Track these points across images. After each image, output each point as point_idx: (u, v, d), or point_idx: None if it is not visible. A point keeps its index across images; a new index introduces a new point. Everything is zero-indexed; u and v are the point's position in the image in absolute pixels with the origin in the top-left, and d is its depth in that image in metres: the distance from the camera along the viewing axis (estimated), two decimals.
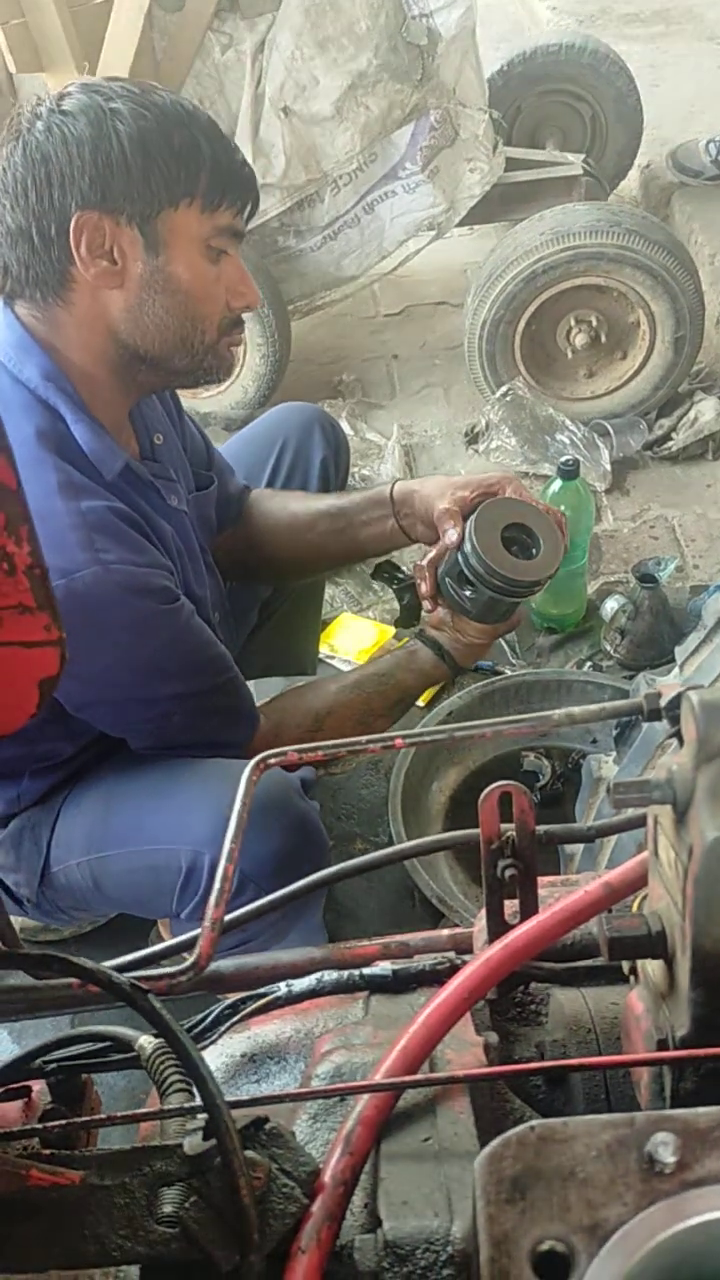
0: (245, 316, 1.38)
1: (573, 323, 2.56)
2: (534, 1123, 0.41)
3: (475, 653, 1.51)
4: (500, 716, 0.74)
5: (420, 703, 2.14)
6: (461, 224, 2.79)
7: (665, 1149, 0.40)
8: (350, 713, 1.46)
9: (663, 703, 0.62)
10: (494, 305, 2.48)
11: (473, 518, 1.37)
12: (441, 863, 1.83)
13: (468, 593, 1.38)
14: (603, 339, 2.58)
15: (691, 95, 3.56)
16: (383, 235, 2.70)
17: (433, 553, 1.45)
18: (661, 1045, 0.57)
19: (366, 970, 0.71)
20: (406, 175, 2.60)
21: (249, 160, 2.52)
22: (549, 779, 1.92)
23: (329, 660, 2.26)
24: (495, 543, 1.34)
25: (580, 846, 1.42)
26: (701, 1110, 0.42)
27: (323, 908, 1.48)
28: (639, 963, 0.62)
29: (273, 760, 0.60)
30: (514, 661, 2.22)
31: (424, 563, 1.47)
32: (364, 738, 0.61)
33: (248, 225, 1.32)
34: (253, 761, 0.59)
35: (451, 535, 1.42)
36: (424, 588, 1.49)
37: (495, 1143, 0.41)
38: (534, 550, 1.36)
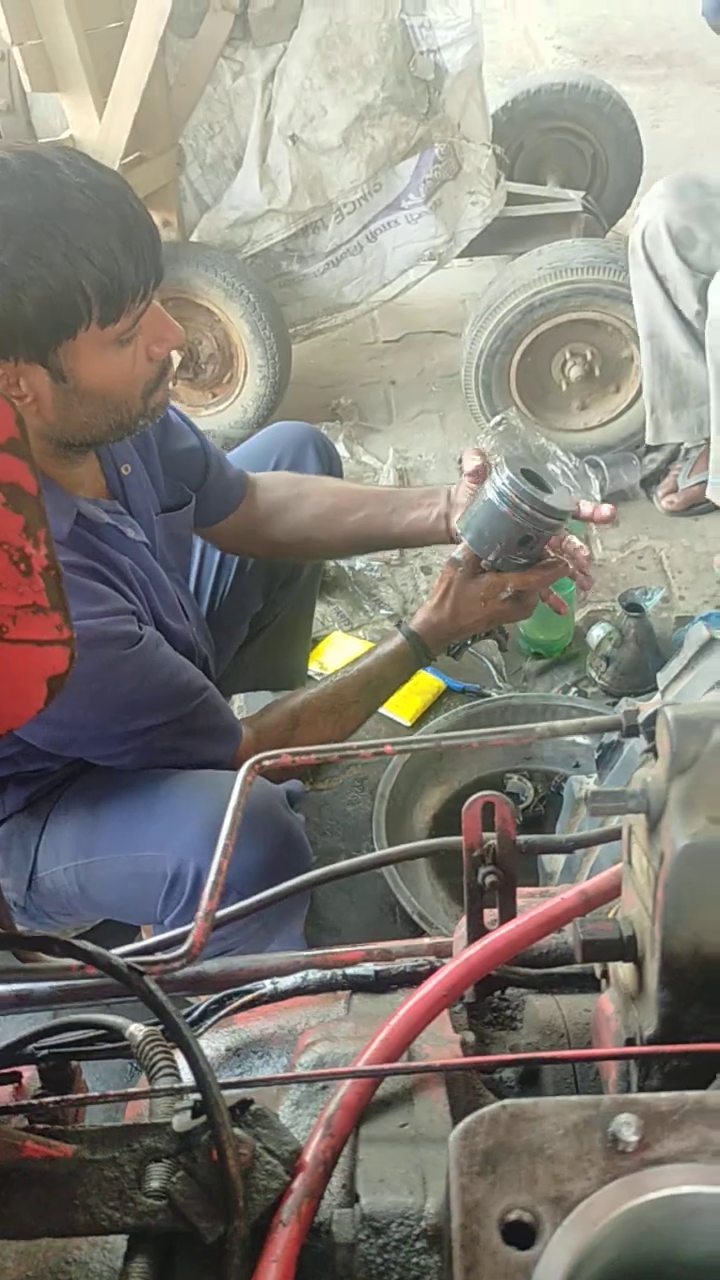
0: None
1: (567, 355, 2.61)
2: (506, 1101, 0.44)
3: (452, 630, 1.52)
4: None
5: (407, 722, 2.17)
6: (462, 255, 2.85)
7: (628, 1129, 0.43)
8: (322, 703, 1.49)
9: (640, 719, 0.65)
10: (491, 336, 2.53)
11: (500, 459, 1.45)
12: (423, 879, 1.86)
13: (492, 531, 1.44)
14: (596, 372, 2.63)
15: (691, 137, 3.64)
16: (384, 263, 2.75)
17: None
18: (630, 1044, 0.59)
19: (349, 970, 0.73)
20: (409, 206, 2.65)
21: (257, 186, 2.56)
22: (531, 801, 1.95)
23: (319, 679, 2.29)
24: (520, 476, 1.41)
25: (560, 866, 1.45)
26: (663, 1095, 0.45)
27: (304, 920, 1.50)
28: (610, 966, 0.65)
29: (267, 762, 0.62)
30: (500, 685, 2.25)
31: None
32: (356, 743, 0.64)
33: (152, 293, 1.21)
34: (247, 763, 0.62)
35: (470, 464, 1.47)
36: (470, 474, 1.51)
37: (469, 1119, 0.43)
38: (552, 491, 1.44)
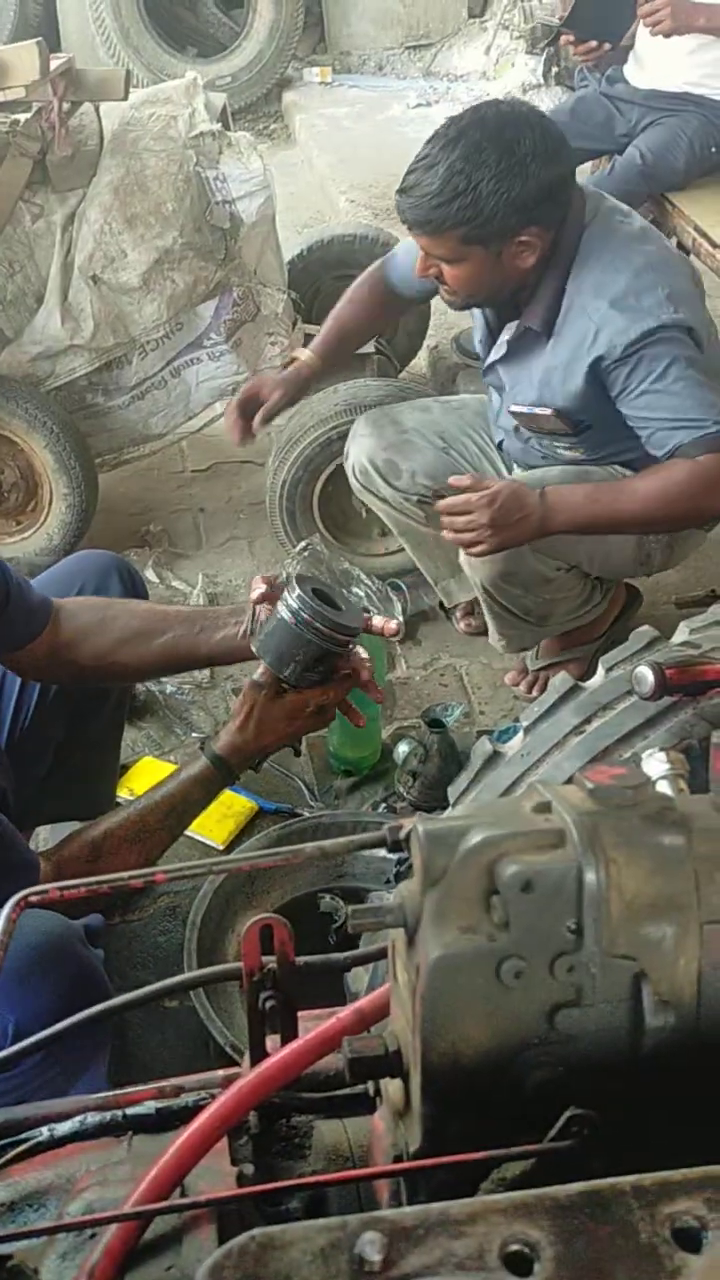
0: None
1: None
2: (255, 1231, 0.44)
3: (256, 750, 1.53)
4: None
5: (219, 845, 2.14)
6: None
7: (372, 1248, 0.44)
8: (124, 831, 1.46)
9: (402, 834, 0.68)
10: (293, 467, 2.63)
11: (291, 578, 1.50)
12: (238, 1009, 1.82)
13: (289, 649, 1.47)
14: None
15: None
16: (189, 398, 2.83)
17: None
18: (397, 1161, 0.60)
19: (130, 1110, 0.72)
20: (211, 344, 2.75)
21: (58, 323, 2.60)
22: (345, 920, 1.95)
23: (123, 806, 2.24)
24: (311, 596, 1.46)
25: (364, 982, 1.45)
26: (408, 1209, 0.46)
27: (106, 1062, 1.44)
28: (382, 1083, 0.66)
29: (34, 898, 0.62)
30: (312, 804, 2.27)
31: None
32: (126, 873, 0.64)
33: None
34: (11, 900, 0.62)
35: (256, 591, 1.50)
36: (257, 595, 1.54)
37: (218, 1253, 0.43)
38: (342, 608, 1.50)
